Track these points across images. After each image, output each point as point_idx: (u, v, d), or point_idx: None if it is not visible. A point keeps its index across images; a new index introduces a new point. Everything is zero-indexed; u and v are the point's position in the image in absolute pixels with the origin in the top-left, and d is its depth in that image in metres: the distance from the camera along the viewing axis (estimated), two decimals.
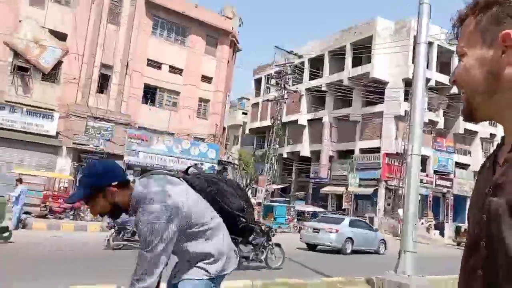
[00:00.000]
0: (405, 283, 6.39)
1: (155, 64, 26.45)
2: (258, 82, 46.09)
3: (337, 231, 14.77)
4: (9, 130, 21.13)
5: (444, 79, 31.70)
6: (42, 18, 22.48)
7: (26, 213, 15.40)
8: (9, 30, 21.57)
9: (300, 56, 33.72)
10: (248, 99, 48.91)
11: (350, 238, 15.08)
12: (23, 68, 22.16)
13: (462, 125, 34.61)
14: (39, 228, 13.46)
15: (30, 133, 21.62)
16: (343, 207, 31.76)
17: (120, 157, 23.93)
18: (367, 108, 34.32)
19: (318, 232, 15.01)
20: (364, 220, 19.84)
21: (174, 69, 27.16)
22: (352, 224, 15.93)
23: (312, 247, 15.35)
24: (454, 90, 30.25)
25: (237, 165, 35.97)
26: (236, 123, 49.06)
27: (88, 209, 13.91)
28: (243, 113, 50.30)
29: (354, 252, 15.17)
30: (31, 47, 22.03)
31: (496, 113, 0.77)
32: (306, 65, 37.72)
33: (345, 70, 34.32)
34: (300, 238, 15.74)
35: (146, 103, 26.28)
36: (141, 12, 25.63)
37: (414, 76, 7.65)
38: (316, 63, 37.66)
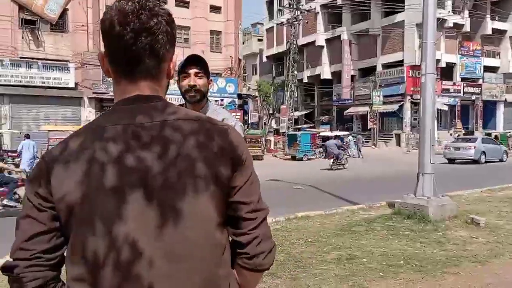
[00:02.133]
0: (424, 205, 6.44)
1: None
2: (270, 4, 43.99)
3: (474, 147, 19.52)
4: (29, 86, 21.46)
5: None
6: None
7: None
8: None
9: None
10: (262, 24, 47.10)
11: (483, 151, 19.88)
12: (30, 21, 21.90)
13: (490, 24, 32.48)
14: None
15: (50, 87, 21.91)
16: (368, 127, 31.49)
17: None
18: (386, 19, 32.52)
19: (459, 150, 19.98)
20: (491, 138, 24.28)
21: (180, 2, 26.16)
22: (483, 141, 20.85)
23: (451, 161, 20.01)
24: None
25: (257, 96, 35.66)
26: (252, 51, 47.77)
27: None
28: (259, 40, 48.69)
29: (486, 162, 19.84)
30: None
31: None
32: (318, 9, 35.41)
33: None
34: (443, 156, 20.07)
35: None
36: None
37: None
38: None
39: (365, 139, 27.37)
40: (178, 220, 0.86)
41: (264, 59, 45.40)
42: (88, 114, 23.16)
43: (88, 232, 0.85)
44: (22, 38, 21.73)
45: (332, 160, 17.21)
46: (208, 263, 0.90)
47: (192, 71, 2.17)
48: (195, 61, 2.19)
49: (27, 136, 13.43)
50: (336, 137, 21.44)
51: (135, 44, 0.89)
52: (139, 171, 0.87)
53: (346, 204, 8.46)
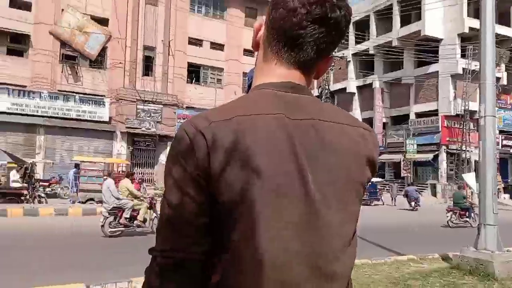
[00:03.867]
0: (488, 260, 5.73)
1: (196, 42, 26.20)
2: None
3: None
4: (65, 118, 21.91)
5: (505, 31, 29.00)
6: (82, 4, 22.75)
7: (90, 199, 16.04)
8: (53, 20, 22.05)
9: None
10: None
11: None
12: (70, 57, 22.72)
13: None
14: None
15: (85, 120, 22.31)
16: (401, 175, 30.57)
17: (172, 138, 24.23)
18: (420, 69, 32.28)
19: None
20: None
21: (215, 45, 26.79)
22: None
23: None
24: None
25: None
26: None
27: (147, 193, 13.86)
28: None
29: None
30: (76, 35, 22.45)
31: None
32: (351, 29, 35.92)
33: (393, 30, 32.28)
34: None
35: (191, 82, 26.23)
36: None
37: (482, 28, 6.72)
38: (362, 26, 35.77)
39: (398, 187, 26.38)
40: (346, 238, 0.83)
41: None
42: (119, 148, 23.32)
43: (258, 228, 0.74)
44: (62, 72, 22.47)
45: (413, 203, 20.58)
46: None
47: None
48: None
49: (77, 166, 13.71)
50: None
51: (307, 30, 0.81)
52: (301, 173, 0.77)
53: (389, 253, 7.75)
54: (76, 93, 22.37)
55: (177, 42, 25.19)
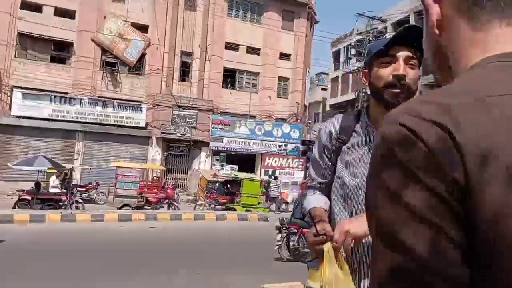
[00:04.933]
0: None
1: (232, 46, 26.09)
2: (336, 54, 43.98)
3: None
4: (103, 124, 22.24)
5: None
6: (124, 12, 23.08)
7: (126, 205, 16.05)
8: (95, 28, 22.46)
9: (384, 21, 31.24)
10: (327, 74, 47.10)
11: None
12: (111, 63, 23.08)
13: None
14: (138, 219, 13.82)
15: (122, 125, 22.57)
16: None
17: (206, 143, 24.16)
18: None
19: None
20: None
21: (251, 49, 26.59)
22: None
23: None
24: None
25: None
26: (316, 100, 47.64)
27: (180, 199, 13.67)
28: (322, 89, 48.64)
29: None
30: (116, 42, 22.79)
31: None
32: (389, 29, 34.89)
33: None
34: None
35: (227, 87, 26.12)
36: None
37: None
38: (401, 26, 34.68)
39: None
40: None
41: (328, 108, 44.89)
42: (154, 153, 23.45)
43: None
44: (102, 78, 22.83)
45: None
46: None
47: (403, 54, 1.41)
48: (409, 40, 1.39)
49: None
50: None
51: None
52: None
53: None
54: (115, 99, 22.67)
55: (214, 47, 25.16)
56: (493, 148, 0.44)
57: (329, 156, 1.63)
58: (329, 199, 1.64)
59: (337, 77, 42.18)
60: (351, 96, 35.31)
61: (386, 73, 1.41)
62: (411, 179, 0.46)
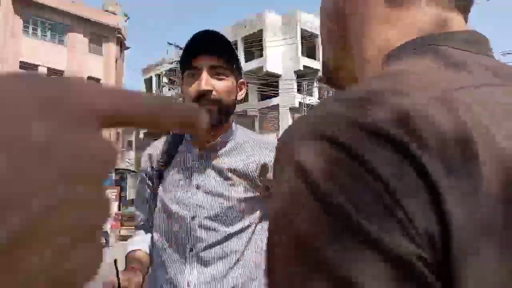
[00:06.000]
0: None
1: (29, 67, 23.22)
2: (148, 82, 43.93)
3: None
4: None
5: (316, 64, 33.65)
6: None
7: None
8: None
9: None
10: None
11: None
12: None
13: None
14: None
15: None
16: None
17: None
18: (263, 102, 34.84)
19: None
20: None
21: (53, 71, 24.16)
22: None
23: None
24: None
25: (135, 171, 33.78)
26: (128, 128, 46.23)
27: None
28: None
29: None
30: None
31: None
32: None
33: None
34: None
35: None
36: (8, 10, 22.27)
37: None
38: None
39: None
40: None
41: (141, 135, 44.08)
42: None
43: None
44: None
45: None
46: None
47: (206, 64, 1.20)
48: (210, 46, 1.20)
49: None
50: None
51: None
52: None
53: None
54: None
55: (8, 66, 21.92)
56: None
57: (150, 185, 1.36)
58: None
59: None
60: None
61: (192, 88, 1.21)
62: (352, 233, 0.27)
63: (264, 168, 1.24)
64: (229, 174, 1.24)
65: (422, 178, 0.27)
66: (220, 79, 1.22)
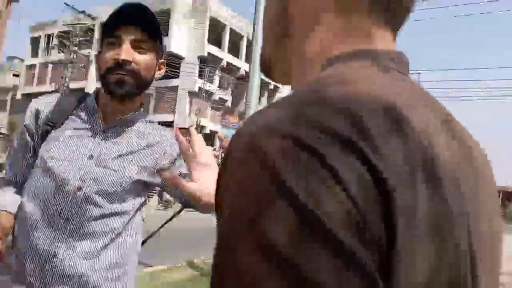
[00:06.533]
0: None
1: None
2: (35, 41, 39.70)
3: None
4: None
5: (237, 62, 34.40)
6: None
7: None
8: None
9: (93, 18, 30.62)
10: (22, 60, 41.71)
11: None
12: None
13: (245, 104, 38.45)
14: None
15: None
16: None
17: None
18: (162, 81, 34.11)
19: None
20: None
21: None
22: None
23: None
24: (242, 72, 33.16)
25: (7, 135, 30.48)
26: (4, 85, 41.27)
27: None
28: (14, 75, 42.70)
29: None
30: None
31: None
32: (97, 30, 34.59)
33: None
34: None
35: None
36: None
37: (251, 68, 6.96)
38: None
39: None
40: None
41: (19, 96, 39.75)
42: None
43: None
44: None
45: None
46: None
47: (129, 35, 1.17)
48: (137, 19, 1.19)
49: None
50: None
51: None
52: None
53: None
54: None
55: None
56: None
57: (30, 141, 1.24)
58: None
59: (34, 65, 38.10)
60: (49, 88, 32.62)
61: (109, 56, 1.16)
62: (311, 229, 0.28)
63: (168, 156, 1.26)
64: (128, 154, 1.21)
65: (366, 165, 0.29)
66: (142, 53, 1.19)
